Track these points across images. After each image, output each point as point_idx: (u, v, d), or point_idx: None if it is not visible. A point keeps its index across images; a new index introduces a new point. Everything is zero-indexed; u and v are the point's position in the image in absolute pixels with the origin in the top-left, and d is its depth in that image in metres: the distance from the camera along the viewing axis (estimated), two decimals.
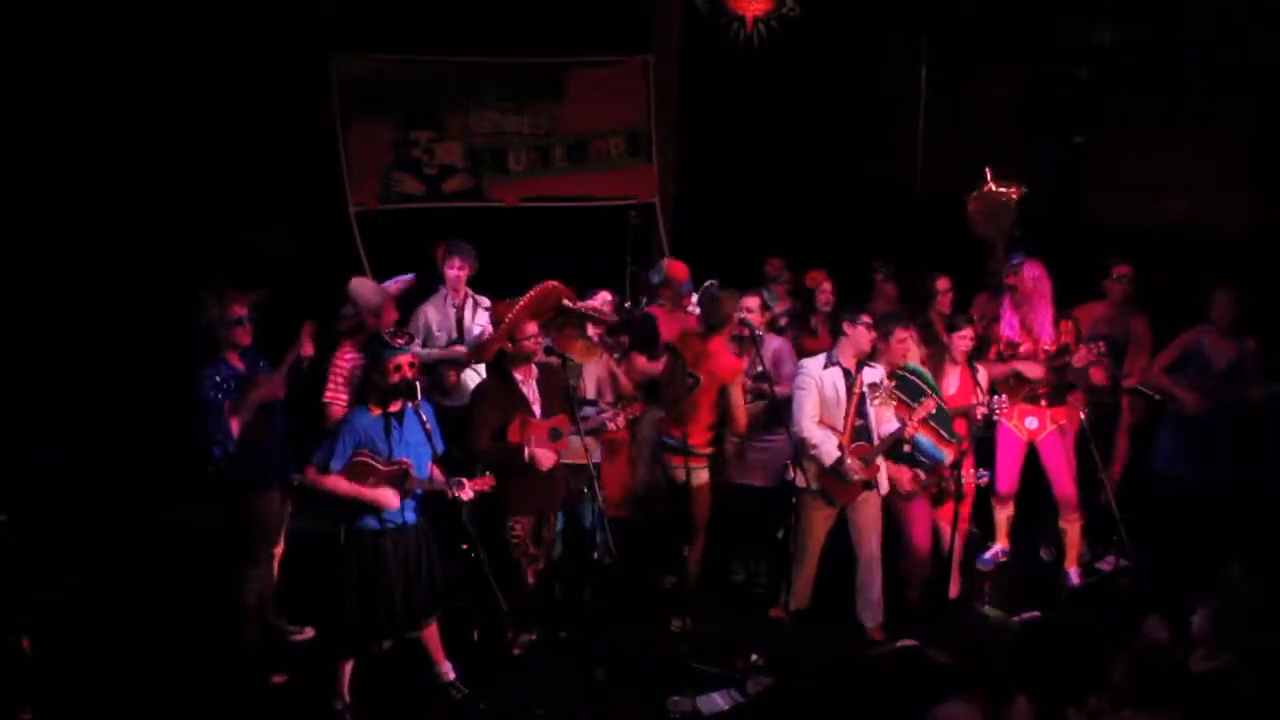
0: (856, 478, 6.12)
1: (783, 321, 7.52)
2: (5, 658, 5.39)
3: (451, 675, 5.66)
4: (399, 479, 5.27)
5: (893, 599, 6.49)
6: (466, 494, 5.37)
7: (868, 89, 10.55)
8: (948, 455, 6.33)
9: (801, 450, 6.11)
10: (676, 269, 7.21)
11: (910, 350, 6.46)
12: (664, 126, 9.77)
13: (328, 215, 8.87)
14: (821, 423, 6.12)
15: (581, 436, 5.87)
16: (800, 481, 6.13)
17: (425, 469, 5.41)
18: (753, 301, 6.64)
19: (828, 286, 7.75)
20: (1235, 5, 8.36)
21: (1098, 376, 6.95)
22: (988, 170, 8.04)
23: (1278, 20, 7.94)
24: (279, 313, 6.13)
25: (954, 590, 6.68)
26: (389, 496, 5.27)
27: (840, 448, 6.09)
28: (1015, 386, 6.79)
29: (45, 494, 6.74)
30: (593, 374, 6.44)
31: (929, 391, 6.34)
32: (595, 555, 6.28)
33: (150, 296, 7.59)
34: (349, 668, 5.49)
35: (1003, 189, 7.99)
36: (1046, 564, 7.28)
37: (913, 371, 6.42)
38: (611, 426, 6.13)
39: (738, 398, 6.40)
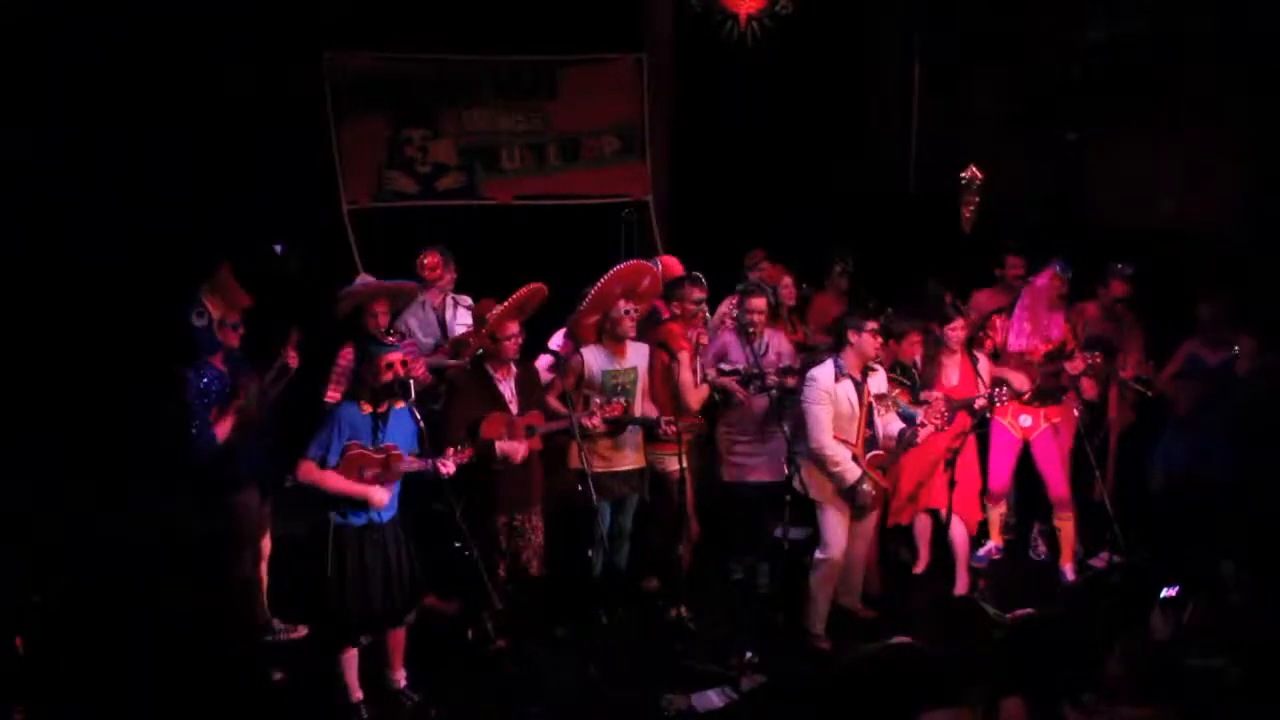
0: (873, 495, 6.05)
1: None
2: None
3: (404, 683, 5.64)
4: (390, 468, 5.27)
5: (893, 596, 6.54)
6: (448, 468, 5.35)
7: (861, 87, 10.55)
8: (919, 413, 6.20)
9: (819, 463, 5.98)
10: (669, 264, 7.18)
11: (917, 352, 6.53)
12: (657, 124, 9.77)
13: (321, 214, 8.87)
14: (834, 437, 5.97)
15: (578, 439, 5.87)
16: (812, 493, 6.04)
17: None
18: (759, 302, 6.59)
19: (788, 281, 7.70)
20: (1235, 3, 8.38)
21: (1088, 389, 6.97)
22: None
23: (1277, 19, 7.94)
24: (270, 312, 6.14)
25: (961, 587, 6.70)
26: (379, 494, 5.26)
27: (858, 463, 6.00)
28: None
29: (38, 494, 6.72)
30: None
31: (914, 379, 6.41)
32: (589, 553, 6.27)
33: (142, 297, 7.56)
34: (353, 663, 5.46)
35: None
36: (1040, 561, 7.28)
37: (898, 366, 6.47)
38: (588, 424, 6.00)
39: (684, 377, 6.31)
